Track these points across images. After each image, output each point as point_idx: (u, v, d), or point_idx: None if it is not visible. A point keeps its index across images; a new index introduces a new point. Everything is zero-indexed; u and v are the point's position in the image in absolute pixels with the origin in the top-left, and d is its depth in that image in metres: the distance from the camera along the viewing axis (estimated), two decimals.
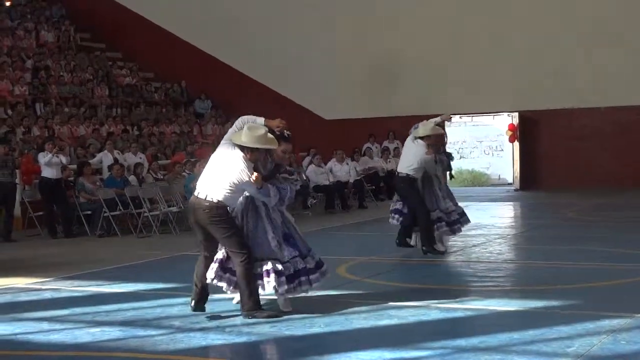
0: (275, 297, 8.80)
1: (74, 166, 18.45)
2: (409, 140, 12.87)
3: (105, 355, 7.40)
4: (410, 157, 12.68)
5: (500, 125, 29.45)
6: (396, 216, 13.23)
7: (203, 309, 8.74)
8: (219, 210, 8.44)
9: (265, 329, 8.09)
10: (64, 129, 22.01)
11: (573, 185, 24.56)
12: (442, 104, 26.60)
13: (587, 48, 24.94)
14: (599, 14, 24.88)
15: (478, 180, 30.64)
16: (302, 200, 21.38)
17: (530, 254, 13.22)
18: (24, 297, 10.35)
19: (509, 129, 26.62)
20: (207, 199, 8.43)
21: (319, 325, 8.22)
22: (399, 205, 13.24)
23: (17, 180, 16.90)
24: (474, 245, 13.86)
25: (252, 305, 8.44)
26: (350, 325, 8.20)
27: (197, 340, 7.74)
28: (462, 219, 13.37)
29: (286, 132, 8.93)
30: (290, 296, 8.79)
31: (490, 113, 28.33)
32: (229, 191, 8.41)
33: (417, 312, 8.62)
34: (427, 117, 25.77)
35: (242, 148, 8.41)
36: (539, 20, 25.63)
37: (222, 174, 8.41)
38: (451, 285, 10.55)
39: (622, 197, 21.79)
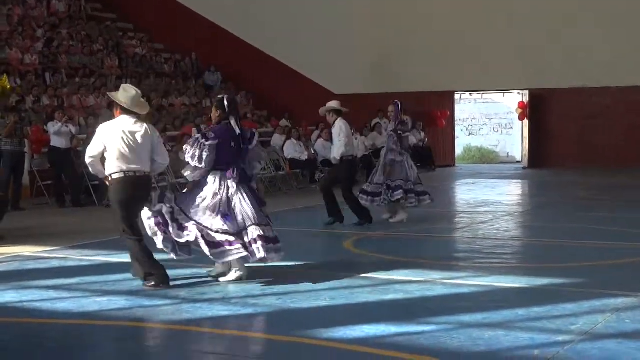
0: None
1: (84, 136, 18.46)
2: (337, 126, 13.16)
3: (111, 324, 7.43)
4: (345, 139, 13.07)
5: (510, 102, 29.42)
6: (364, 197, 13.75)
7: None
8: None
9: (271, 301, 8.12)
10: (73, 99, 22.02)
11: (582, 164, 24.54)
12: (453, 81, 26.64)
13: (600, 27, 24.80)
14: None
15: (486, 157, 30.65)
16: (310, 174, 21.39)
17: (537, 231, 13.23)
18: (31, 266, 10.40)
19: (519, 107, 26.56)
20: (147, 174, 8.79)
21: (325, 298, 8.26)
22: (365, 186, 13.93)
23: (26, 149, 16.93)
24: (481, 222, 13.87)
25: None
26: (356, 299, 8.23)
27: (203, 311, 7.77)
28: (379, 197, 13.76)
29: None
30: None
31: (500, 90, 28.29)
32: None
33: (422, 287, 8.64)
34: (438, 94, 25.83)
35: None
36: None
37: (150, 149, 8.76)
38: (457, 261, 10.57)
39: (631, 177, 21.74)
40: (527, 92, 26.26)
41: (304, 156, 21.23)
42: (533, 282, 8.87)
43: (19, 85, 21.84)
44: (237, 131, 9.06)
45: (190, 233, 8.78)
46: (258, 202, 9.11)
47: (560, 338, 6.63)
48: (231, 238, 8.78)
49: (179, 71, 28.58)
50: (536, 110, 26.11)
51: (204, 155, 8.90)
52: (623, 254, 10.56)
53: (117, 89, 24.17)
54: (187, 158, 9.03)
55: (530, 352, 6.29)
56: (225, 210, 8.90)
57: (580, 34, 25.02)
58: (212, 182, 9.00)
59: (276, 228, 9.23)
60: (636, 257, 10.31)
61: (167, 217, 8.83)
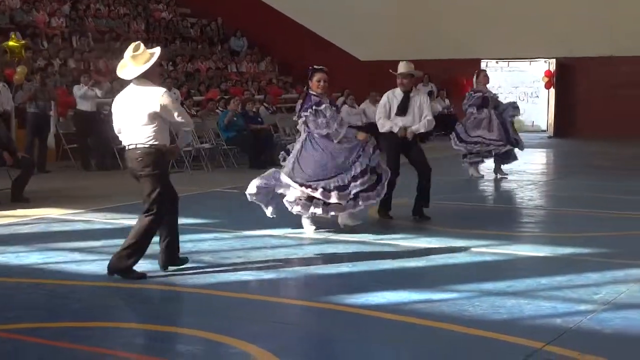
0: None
1: (110, 99, 18.48)
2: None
3: (136, 287, 7.49)
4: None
5: (536, 71, 29.17)
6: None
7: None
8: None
9: (294, 267, 8.18)
10: (99, 63, 22.07)
11: (608, 134, 24.32)
12: (478, 48, 26.45)
13: None
14: None
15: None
16: None
17: (561, 201, 13.18)
18: (56, 228, 10.49)
19: (545, 76, 26.37)
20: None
21: (347, 265, 8.29)
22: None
23: (51, 112, 17.00)
24: (505, 191, 13.83)
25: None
26: (378, 266, 8.25)
27: (227, 275, 7.83)
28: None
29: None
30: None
31: (526, 59, 28.07)
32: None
33: (445, 255, 8.65)
34: (464, 61, 25.61)
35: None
36: None
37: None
38: (480, 229, 10.55)
39: None
40: (553, 60, 26.06)
41: None
42: (556, 251, 8.86)
43: (45, 48, 21.91)
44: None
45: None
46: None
47: (583, 307, 6.63)
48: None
49: (205, 36, 28.55)
50: (563, 79, 25.92)
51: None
52: None
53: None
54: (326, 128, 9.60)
55: (553, 320, 6.30)
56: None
57: (608, 1, 24.75)
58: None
59: None
60: None
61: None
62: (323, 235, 9.70)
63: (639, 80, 24.68)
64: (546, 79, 26.34)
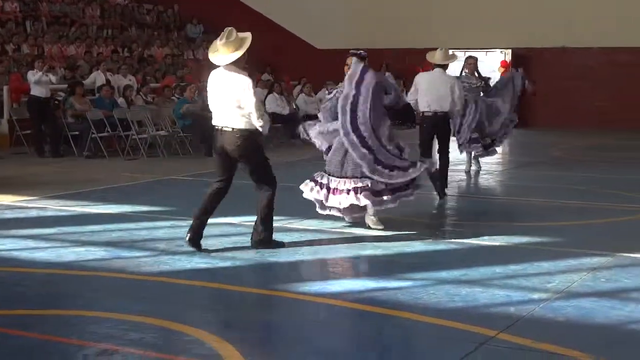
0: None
1: (64, 86, 18.29)
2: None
3: (89, 274, 7.43)
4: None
5: (493, 62, 29.35)
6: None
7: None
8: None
9: (250, 255, 8.13)
10: (54, 48, 21.83)
11: (564, 125, 24.56)
12: (435, 38, 26.49)
13: None
14: None
15: None
16: (291, 129, 21.31)
17: (516, 190, 13.27)
18: (9, 215, 10.37)
19: (502, 66, 26.51)
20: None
21: (303, 253, 8.28)
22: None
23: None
24: (460, 180, 13.90)
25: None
26: (335, 254, 8.26)
27: (182, 263, 7.78)
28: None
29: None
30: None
31: (483, 49, 28.23)
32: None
33: (400, 244, 8.67)
34: (421, 50, 25.58)
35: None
36: None
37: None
38: (435, 218, 10.62)
39: (612, 138, 21.80)
40: (510, 51, 26.23)
41: (286, 111, 21.17)
42: (511, 240, 8.91)
43: None
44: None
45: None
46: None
47: (536, 296, 6.69)
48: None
49: (161, 22, 28.34)
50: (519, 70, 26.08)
51: None
52: (600, 214, 10.61)
53: (97, 39, 23.74)
54: None
55: (507, 308, 6.34)
56: None
57: None
58: None
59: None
60: (613, 217, 10.37)
61: None
62: (279, 223, 9.67)
63: (592, 72, 24.97)
64: (502, 69, 26.48)
